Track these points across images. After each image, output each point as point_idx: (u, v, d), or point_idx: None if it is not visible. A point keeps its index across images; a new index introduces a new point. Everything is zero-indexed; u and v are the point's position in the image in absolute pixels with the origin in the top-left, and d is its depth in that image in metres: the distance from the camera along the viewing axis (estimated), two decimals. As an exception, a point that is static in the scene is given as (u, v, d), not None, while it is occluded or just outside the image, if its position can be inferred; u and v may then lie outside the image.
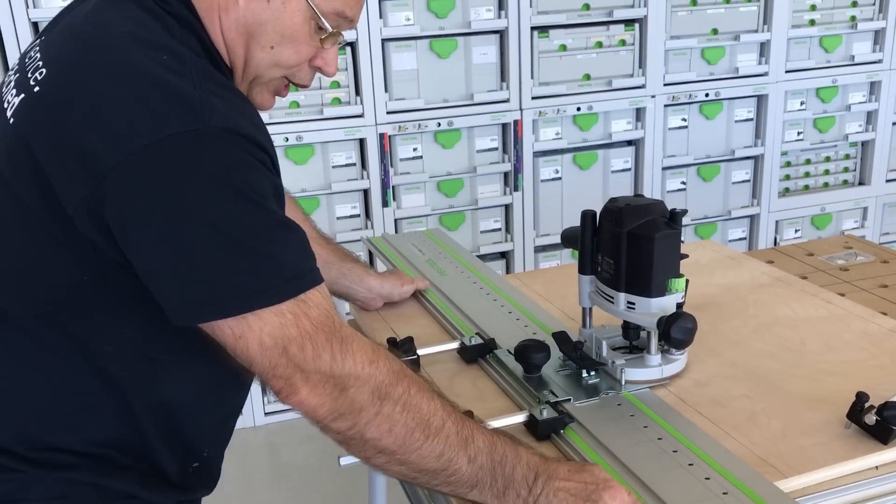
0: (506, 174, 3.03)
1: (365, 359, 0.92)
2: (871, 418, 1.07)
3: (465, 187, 3.01)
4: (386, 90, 2.81)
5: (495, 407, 1.21)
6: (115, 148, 0.85)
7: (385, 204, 2.91)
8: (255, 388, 2.90)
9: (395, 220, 2.95)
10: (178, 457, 1.04)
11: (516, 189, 3.03)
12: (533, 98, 2.95)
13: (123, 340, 0.96)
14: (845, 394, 1.12)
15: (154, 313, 0.91)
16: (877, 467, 1.04)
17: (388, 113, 2.82)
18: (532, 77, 2.93)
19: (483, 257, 3.07)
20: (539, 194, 3.08)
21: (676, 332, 1.17)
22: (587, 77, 3.02)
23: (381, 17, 2.73)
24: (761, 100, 3.27)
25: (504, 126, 2.98)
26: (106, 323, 0.95)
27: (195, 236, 0.86)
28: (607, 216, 1.24)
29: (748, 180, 3.36)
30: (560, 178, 3.10)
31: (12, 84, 0.99)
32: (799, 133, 3.39)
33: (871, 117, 3.47)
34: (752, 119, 3.30)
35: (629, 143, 3.18)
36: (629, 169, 3.18)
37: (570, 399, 1.19)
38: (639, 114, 3.13)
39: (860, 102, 3.42)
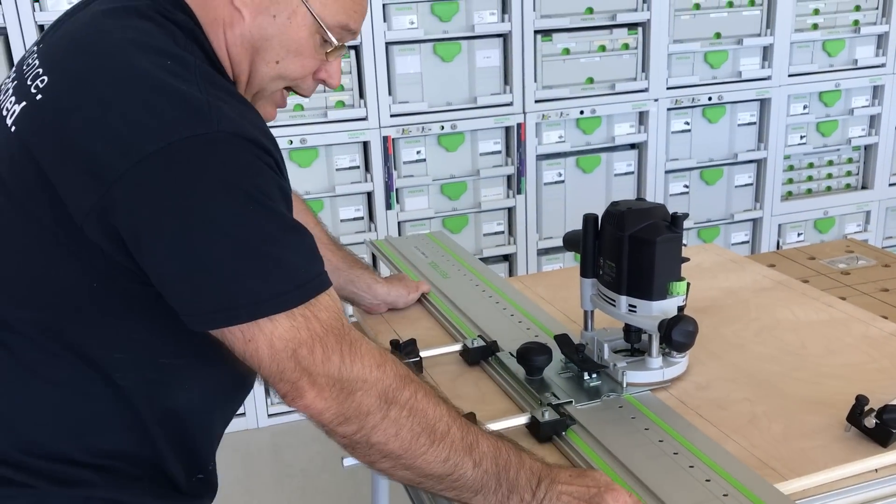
0: (509, 177, 3.04)
1: (373, 362, 0.93)
2: (870, 421, 1.08)
3: (469, 190, 3.02)
4: (390, 93, 2.82)
5: (497, 409, 1.21)
6: (124, 154, 0.85)
7: (388, 207, 2.92)
8: (259, 389, 2.91)
9: (399, 223, 2.96)
10: (184, 464, 1.04)
11: (519, 192, 3.04)
12: (536, 101, 2.96)
13: (132, 347, 0.96)
14: (845, 397, 1.13)
15: (163, 318, 0.91)
16: (876, 470, 1.04)
17: (391, 116, 2.83)
18: (535, 80, 2.94)
19: (486, 260, 3.08)
20: (542, 197, 3.09)
21: (677, 335, 1.17)
22: (590, 80, 3.03)
23: (384, 20, 2.74)
24: (764, 103, 3.27)
25: (507, 129, 2.99)
26: (115, 330, 0.95)
27: (208, 241, 0.86)
28: (609, 220, 1.25)
29: (751, 184, 3.37)
30: (563, 182, 3.10)
31: (10, 92, 0.99)
32: (802, 137, 3.39)
33: (874, 121, 3.47)
34: (754, 123, 3.30)
35: (632, 146, 3.19)
36: (632, 172, 3.19)
37: (571, 401, 1.20)
38: (642, 117, 3.13)
39: (863, 106, 3.42)
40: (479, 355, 1.35)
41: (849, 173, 3.54)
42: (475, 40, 2.87)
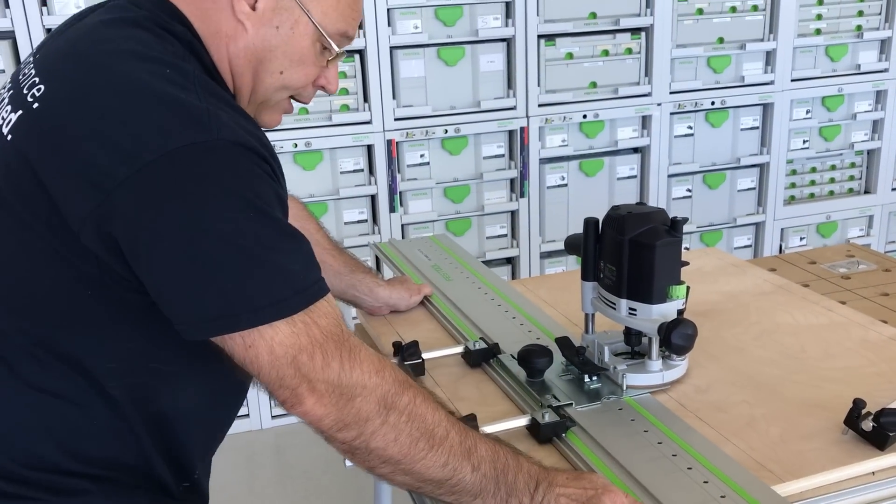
0: (512, 181, 3.05)
1: (372, 368, 0.93)
2: (867, 424, 1.09)
3: (472, 193, 3.03)
4: (394, 97, 2.84)
5: (498, 410, 1.23)
6: (123, 163, 0.85)
7: (392, 209, 2.93)
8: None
9: (402, 226, 2.97)
10: (171, 471, 1.04)
11: (522, 195, 3.05)
12: (539, 105, 2.98)
13: (126, 355, 0.96)
14: (844, 400, 1.13)
15: (157, 326, 0.91)
16: (873, 473, 1.05)
17: (395, 119, 2.85)
18: (539, 84, 2.96)
19: (489, 263, 3.09)
20: (545, 201, 3.10)
21: (677, 338, 1.18)
22: (593, 85, 3.04)
23: (389, 24, 2.76)
24: (767, 108, 3.28)
25: (510, 133, 3.00)
26: (108, 338, 0.95)
27: (208, 248, 0.86)
28: (610, 224, 1.26)
29: (754, 188, 3.38)
30: (566, 185, 3.12)
31: (6, 101, 0.99)
32: (804, 141, 3.40)
33: (876, 126, 3.48)
34: (757, 127, 3.31)
35: (635, 150, 3.20)
36: (635, 176, 3.20)
37: (571, 403, 1.21)
38: (645, 121, 3.15)
39: (866, 111, 3.43)
40: (481, 357, 1.37)
41: (852, 178, 3.55)
42: (479, 45, 2.89)
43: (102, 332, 0.95)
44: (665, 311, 1.23)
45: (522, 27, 2.87)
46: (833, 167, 3.52)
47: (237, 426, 2.91)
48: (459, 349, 1.40)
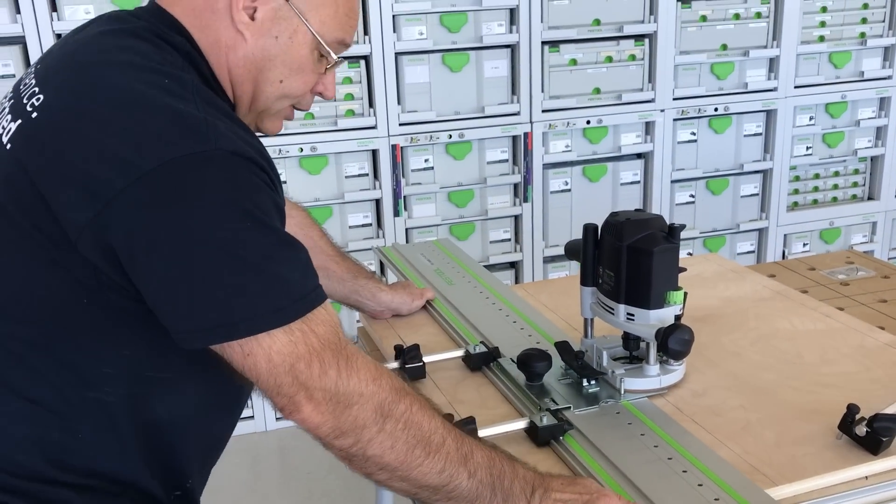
0: (515, 185, 3.07)
1: (369, 376, 0.94)
2: (861, 430, 1.10)
3: (476, 198, 3.05)
4: (399, 102, 2.86)
5: (497, 413, 1.24)
6: (121, 173, 0.86)
7: (396, 213, 2.95)
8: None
9: (406, 230, 3.00)
10: (161, 480, 1.05)
11: (526, 200, 3.07)
12: (543, 111, 3.00)
13: (122, 362, 0.96)
14: (839, 405, 1.15)
15: (154, 334, 0.92)
16: (866, 477, 1.06)
17: (400, 125, 2.87)
18: (542, 90, 2.98)
19: (492, 267, 3.11)
20: (548, 205, 3.12)
21: (674, 343, 1.20)
22: (597, 91, 3.06)
23: (394, 31, 2.79)
24: (770, 115, 3.30)
25: (514, 138, 3.02)
26: (105, 345, 0.96)
27: (204, 259, 0.87)
28: (608, 230, 1.28)
29: (757, 194, 3.39)
30: (569, 190, 3.14)
31: (7, 110, 1.00)
32: (808, 148, 3.41)
33: (880, 133, 3.49)
34: (760, 133, 3.33)
35: (638, 156, 3.22)
36: (638, 182, 3.22)
37: (569, 407, 1.23)
38: (648, 127, 3.16)
39: (869, 118, 3.44)
40: (481, 361, 1.38)
41: (855, 184, 3.56)
42: (483, 51, 2.91)
43: (99, 340, 0.95)
44: (663, 316, 1.24)
45: (526, 34, 2.90)
46: (836, 173, 3.53)
47: (241, 428, 2.93)
48: (460, 353, 1.42)
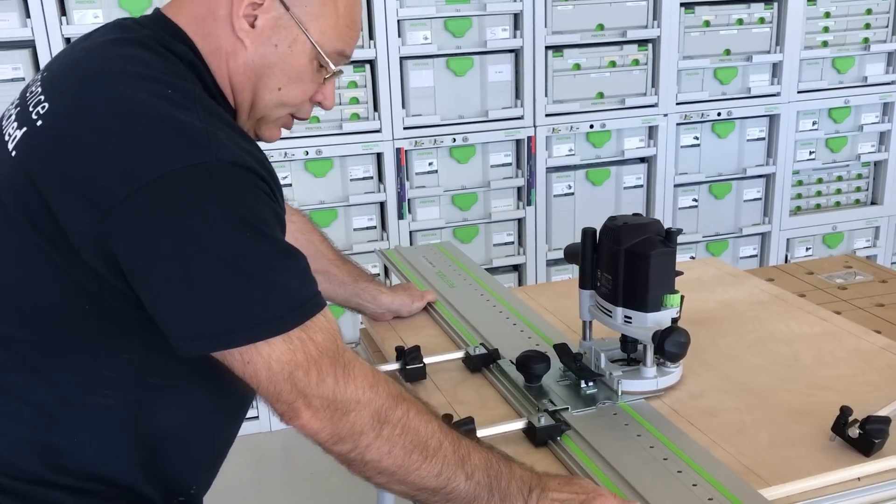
0: (519, 189, 3.09)
1: (366, 383, 0.96)
2: (854, 431, 1.11)
3: (479, 201, 3.07)
4: (403, 106, 2.88)
5: (496, 414, 1.26)
6: (123, 182, 0.87)
7: (400, 216, 2.98)
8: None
9: (410, 233, 3.02)
10: (160, 487, 1.06)
11: (529, 204, 3.09)
12: (547, 115, 3.01)
13: (123, 367, 0.98)
14: (833, 408, 1.16)
15: (155, 341, 0.93)
16: (859, 479, 1.08)
17: (404, 128, 2.90)
18: (546, 95, 3.00)
19: (496, 270, 3.13)
20: (552, 209, 3.14)
21: (670, 345, 1.22)
22: (600, 95, 3.08)
23: (399, 35, 2.81)
24: (773, 119, 3.31)
25: (518, 142, 3.04)
26: (104, 350, 0.97)
27: (205, 268, 0.88)
28: (606, 234, 1.30)
29: (760, 198, 3.40)
30: (573, 194, 3.15)
31: (13, 117, 1.01)
32: (811, 153, 3.42)
33: (883, 138, 3.49)
34: (763, 138, 3.34)
35: (641, 160, 3.23)
36: (641, 185, 3.23)
37: (567, 408, 1.24)
38: (651, 132, 3.18)
39: (873, 123, 3.45)
40: (481, 362, 1.40)
41: (858, 189, 3.56)
42: (487, 55, 2.93)
43: (99, 345, 0.97)
44: (659, 319, 1.26)
45: (530, 38, 2.92)
46: (839, 178, 3.53)
47: (246, 428, 2.95)
48: (460, 354, 1.44)
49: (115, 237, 0.89)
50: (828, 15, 3.26)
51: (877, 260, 3.57)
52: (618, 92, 3.09)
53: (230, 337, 0.90)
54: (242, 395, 1.06)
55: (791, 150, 3.35)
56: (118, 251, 0.89)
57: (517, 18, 2.91)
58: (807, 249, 3.50)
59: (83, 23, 2.56)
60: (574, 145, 3.11)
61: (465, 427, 1.16)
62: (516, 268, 3.21)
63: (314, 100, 1.11)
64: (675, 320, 1.27)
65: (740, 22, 3.15)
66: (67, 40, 2.57)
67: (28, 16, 2.52)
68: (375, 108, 2.87)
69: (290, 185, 2.88)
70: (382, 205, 2.97)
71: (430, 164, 2.99)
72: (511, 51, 2.95)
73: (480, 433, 1.17)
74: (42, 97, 0.98)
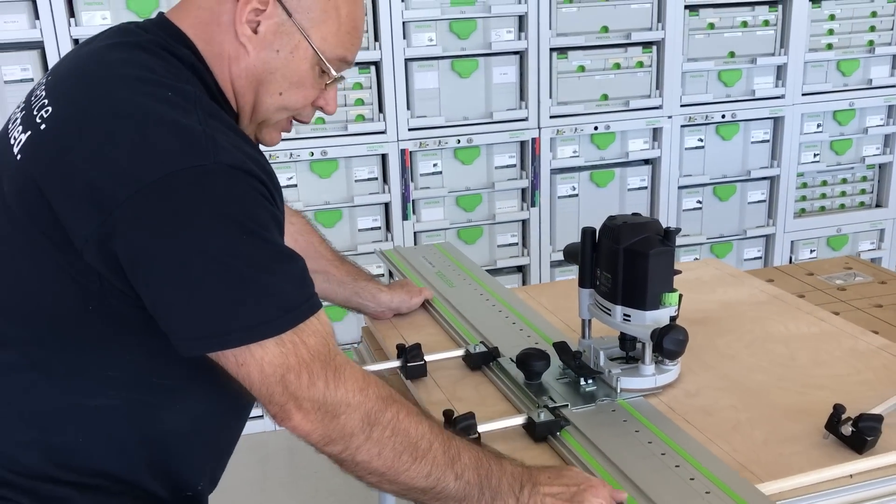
0: (523, 190, 3.11)
1: (356, 386, 0.97)
2: (847, 429, 1.13)
3: (483, 202, 3.09)
4: (408, 108, 2.90)
5: (496, 410, 1.28)
6: (123, 185, 0.89)
7: (405, 217, 2.99)
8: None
9: (415, 233, 3.04)
10: (166, 483, 1.07)
11: (533, 205, 3.10)
12: (551, 117, 3.03)
13: (126, 367, 1.00)
14: (828, 406, 1.17)
15: (157, 341, 0.95)
16: (851, 476, 1.09)
17: (409, 130, 2.92)
18: (550, 96, 3.01)
19: (500, 271, 3.15)
20: (556, 210, 3.15)
21: (668, 343, 1.23)
22: (605, 97, 3.09)
23: (404, 37, 2.83)
24: (777, 122, 3.32)
25: (522, 144, 3.06)
26: (108, 351, 0.98)
27: (202, 270, 0.90)
28: (606, 233, 1.31)
29: (764, 200, 3.41)
30: (577, 195, 3.17)
31: (18, 121, 1.03)
32: (815, 155, 3.43)
33: (888, 140, 3.50)
34: (768, 140, 3.35)
35: (646, 161, 3.24)
36: (645, 187, 3.25)
37: (567, 405, 1.26)
38: (655, 133, 3.19)
39: (877, 126, 3.45)
40: (481, 360, 1.42)
41: (863, 191, 3.57)
42: (492, 57, 2.95)
43: (103, 346, 0.98)
44: (658, 317, 1.27)
45: (535, 40, 2.93)
46: (844, 181, 3.54)
47: (250, 427, 2.97)
48: (460, 352, 1.45)
49: (116, 239, 0.90)
50: (832, 17, 3.27)
51: (881, 262, 3.58)
52: (622, 94, 3.10)
53: (225, 338, 0.92)
54: (244, 395, 1.08)
55: (795, 152, 3.35)
56: (119, 252, 0.91)
57: (522, 20, 2.93)
58: (811, 252, 3.51)
59: (91, 24, 2.59)
60: (578, 147, 3.13)
61: (466, 422, 1.17)
62: (520, 269, 3.22)
63: (316, 105, 1.12)
64: (673, 318, 1.29)
65: (745, 24, 3.16)
66: (76, 41, 2.59)
67: (37, 17, 2.55)
68: (380, 109, 2.89)
69: (296, 185, 2.90)
70: (387, 206, 3.00)
71: (435, 165, 3.00)
72: (516, 53, 2.97)
73: (481, 428, 1.18)
74: (46, 101, 1.00)
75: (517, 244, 3.18)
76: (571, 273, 3.21)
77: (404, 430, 0.99)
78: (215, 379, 0.97)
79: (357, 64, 2.54)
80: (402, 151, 2.93)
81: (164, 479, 1.07)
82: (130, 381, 1.00)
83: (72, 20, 2.58)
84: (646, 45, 3.08)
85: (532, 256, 3.16)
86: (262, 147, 1.12)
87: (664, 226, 1.29)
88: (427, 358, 1.40)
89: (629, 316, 1.29)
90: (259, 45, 1.04)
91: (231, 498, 2.72)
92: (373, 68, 2.86)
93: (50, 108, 0.99)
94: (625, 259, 1.27)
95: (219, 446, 1.15)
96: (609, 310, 1.31)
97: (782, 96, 3.26)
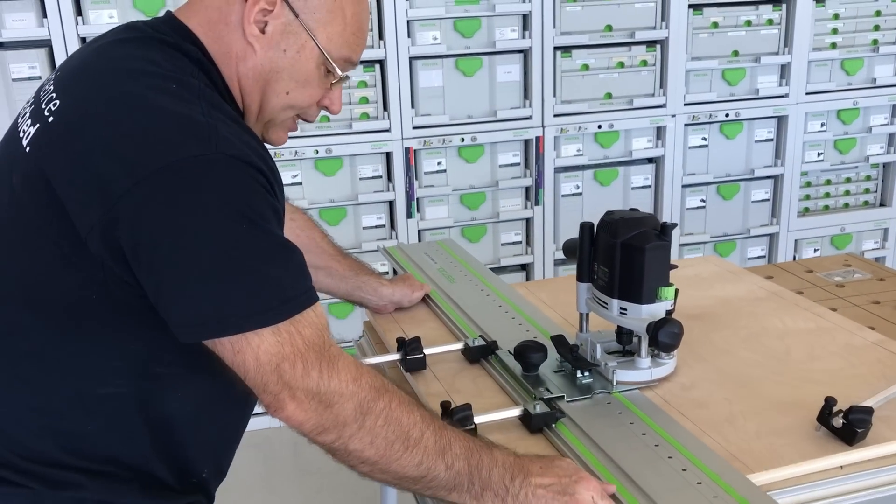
0: (527, 189, 3.12)
1: (349, 376, 0.99)
2: (838, 421, 1.14)
3: (487, 201, 3.10)
4: (412, 106, 2.92)
5: (493, 402, 1.29)
6: (127, 174, 0.91)
7: (409, 215, 3.01)
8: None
9: (419, 231, 3.05)
10: (173, 469, 1.09)
11: (537, 203, 3.12)
12: (555, 115, 3.04)
13: (130, 356, 1.01)
14: (821, 400, 1.18)
15: (160, 329, 0.96)
16: (841, 467, 1.10)
17: (414, 128, 2.94)
18: (554, 95, 3.03)
19: (503, 269, 3.16)
20: (560, 209, 3.17)
21: (664, 335, 1.25)
22: (609, 96, 3.10)
23: (409, 36, 2.85)
24: (781, 121, 3.32)
25: (526, 142, 3.07)
26: (113, 340, 1.01)
27: (202, 258, 0.92)
28: (603, 228, 1.33)
29: (768, 199, 3.41)
30: (580, 194, 3.18)
31: (28, 115, 1.06)
32: (819, 154, 3.43)
33: (892, 139, 3.50)
34: (772, 139, 3.35)
35: (649, 160, 3.25)
36: (649, 186, 3.26)
37: (563, 396, 1.27)
38: (659, 132, 3.20)
39: (882, 125, 3.45)
40: (479, 354, 1.43)
41: (867, 190, 3.57)
42: (496, 56, 2.97)
43: (108, 335, 1.00)
44: (654, 311, 1.29)
45: (539, 39, 2.95)
46: (848, 180, 3.54)
47: (256, 423, 3.00)
48: (459, 346, 1.47)
49: (119, 227, 0.93)
50: (836, 16, 3.27)
51: (885, 262, 3.58)
52: (626, 92, 3.11)
53: (222, 325, 0.94)
54: (241, 384, 1.10)
55: (799, 151, 3.36)
56: (122, 240, 0.93)
57: (526, 19, 2.94)
58: (815, 251, 3.51)
59: (98, 23, 2.62)
60: (582, 145, 3.14)
61: (462, 413, 1.19)
62: (524, 267, 3.24)
63: (321, 104, 1.14)
64: (669, 312, 1.30)
65: (748, 23, 3.17)
66: (83, 40, 2.62)
67: (45, 16, 2.58)
68: (385, 107, 2.91)
69: (300, 183, 2.92)
70: (391, 204, 3.01)
71: (439, 163, 3.02)
72: (520, 51, 2.99)
73: (477, 420, 1.20)
74: (54, 95, 1.03)
75: (521, 242, 3.19)
76: (574, 271, 3.22)
77: (396, 419, 1.01)
78: (215, 367, 0.98)
79: (362, 62, 2.55)
80: (407, 149, 2.95)
81: (170, 464, 1.09)
82: (134, 369, 1.02)
83: (79, 19, 2.61)
84: (650, 43, 3.09)
85: (536, 255, 3.18)
86: (268, 147, 1.14)
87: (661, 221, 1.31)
88: (426, 351, 1.42)
89: (625, 309, 1.31)
90: (266, 44, 1.06)
91: (236, 494, 2.75)
92: (377, 66, 2.88)
93: (58, 102, 1.01)
94: (621, 253, 1.29)
95: (223, 433, 1.17)
96: (606, 303, 1.33)
97: (786, 95, 3.27)
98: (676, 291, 1.31)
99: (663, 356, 1.35)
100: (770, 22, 3.19)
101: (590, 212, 3.17)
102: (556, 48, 2.99)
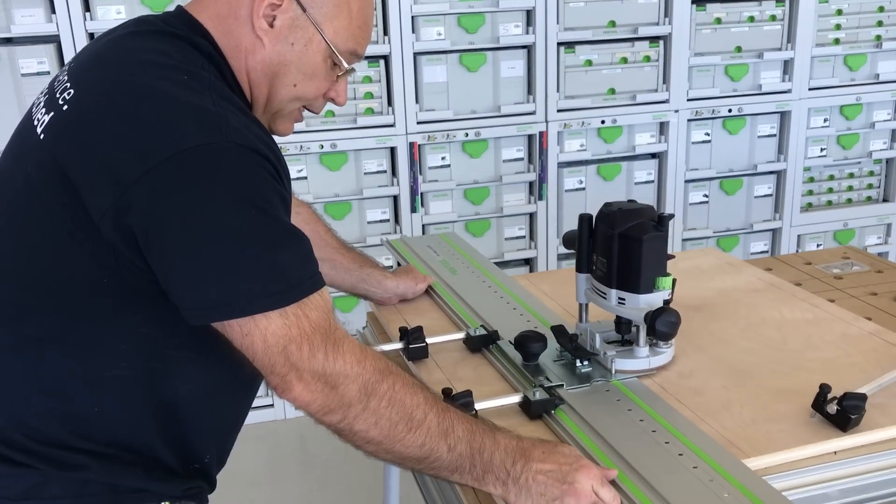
0: (531, 183, 3.14)
1: (354, 358, 1.02)
2: (832, 408, 1.16)
3: (491, 195, 3.13)
4: (417, 101, 2.95)
5: (493, 390, 1.32)
6: (139, 161, 0.94)
7: (413, 210, 3.04)
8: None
9: (423, 226, 3.08)
10: (177, 453, 1.11)
11: (541, 198, 3.14)
12: (558, 111, 3.07)
13: (139, 339, 1.04)
14: (816, 387, 1.20)
15: (169, 313, 0.99)
16: (835, 452, 1.12)
17: (418, 123, 2.96)
18: (558, 90, 3.05)
19: (507, 264, 3.18)
20: (563, 204, 3.19)
21: (661, 324, 1.27)
22: (612, 91, 3.12)
23: (413, 31, 2.87)
24: (784, 116, 3.33)
25: (530, 137, 3.09)
26: (123, 322, 1.03)
27: (212, 242, 0.95)
28: (602, 219, 1.35)
29: (770, 194, 3.43)
30: (584, 189, 3.20)
31: (42, 104, 1.09)
32: (822, 149, 3.44)
33: (895, 135, 3.51)
34: (775, 135, 3.36)
35: (652, 155, 3.27)
36: (652, 181, 3.27)
37: (562, 384, 1.30)
38: (662, 127, 3.22)
39: (885, 120, 3.46)
40: (481, 343, 1.46)
41: (870, 186, 3.58)
42: (500, 51, 2.99)
43: (118, 318, 1.03)
44: (651, 300, 1.31)
45: (543, 35, 2.97)
46: (851, 175, 3.55)
47: (262, 416, 3.03)
48: (461, 335, 1.49)
49: (131, 212, 0.95)
50: (840, 12, 3.28)
51: (888, 257, 3.59)
52: (629, 88, 3.13)
53: (231, 308, 0.96)
54: (251, 369, 1.12)
55: (802, 146, 3.37)
56: (134, 225, 0.96)
57: (530, 15, 2.96)
58: (818, 246, 3.52)
59: (106, 18, 2.64)
60: (585, 141, 3.16)
61: (463, 399, 1.21)
62: (528, 261, 3.26)
63: (327, 96, 1.17)
64: (667, 302, 1.32)
65: (751, 19, 3.19)
66: (91, 35, 2.65)
67: (53, 11, 2.61)
68: (389, 102, 2.93)
69: (306, 178, 2.95)
70: (396, 198, 3.04)
71: (443, 158, 3.05)
72: (523, 47, 3.01)
73: (478, 406, 1.22)
74: (68, 84, 1.06)
75: (524, 237, 3.21)
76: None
77: (400, 401, 1.03)
78: (222, 351, 1.01)
79: (366, 58, 2.58)
80: (411, 144, 2.97)
81: (174, 448, 1.11)
82: (143, 352, 1.05)
83: (87, 14, 2.64)
84: (653, 39, 3.11)
85: (539, 249, 3.20)
86: (274, 139, 1.17)
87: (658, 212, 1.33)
88: (429, 340, 1.44)
89: (624, 299, 1.33)
90: (275, 38, 1.09)
91: (241, 485, 2.78)
92: (382, 62, 2.90)
93: (72, 91, 1.04)
94: (619, 244, 1.31)
95: (226, 419, 1.19)
96: (605, 293, 1.35)
97: (789, 91, 3.28)
98: (674, 281, 1.34)
99: (661, 345, 1.37)
100: (773, 17, 3.21)
101: (593, 207, 3.13)
102: (559, 44, 3.01)
